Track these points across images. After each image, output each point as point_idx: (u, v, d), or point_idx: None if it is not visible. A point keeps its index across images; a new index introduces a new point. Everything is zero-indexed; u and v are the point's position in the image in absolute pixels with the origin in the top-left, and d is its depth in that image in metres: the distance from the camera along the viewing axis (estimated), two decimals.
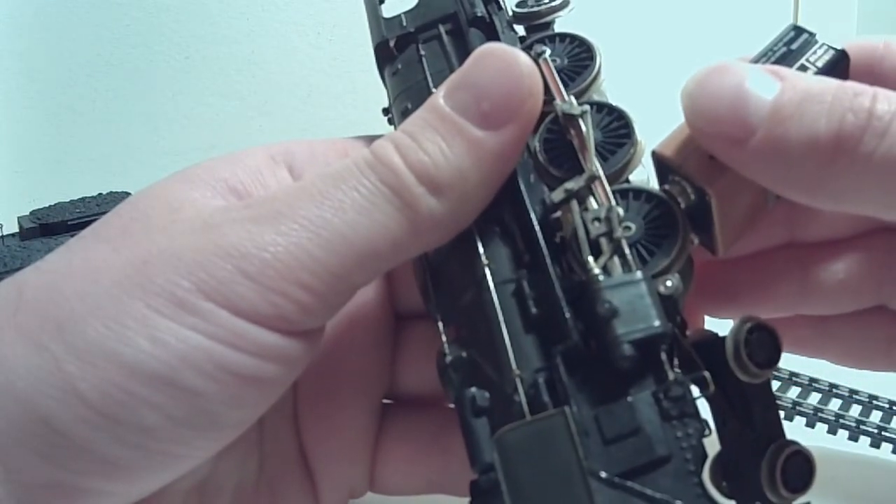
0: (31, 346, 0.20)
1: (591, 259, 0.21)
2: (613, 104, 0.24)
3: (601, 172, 0.22)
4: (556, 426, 0.19)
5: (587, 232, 0.21)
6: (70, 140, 0.81)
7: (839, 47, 0.22)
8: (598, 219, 0.22)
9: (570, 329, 0.20)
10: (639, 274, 0.20)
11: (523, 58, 0.23)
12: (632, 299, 0.20)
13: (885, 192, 0.20)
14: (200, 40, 0.83)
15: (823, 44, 0.22)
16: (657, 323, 0.19)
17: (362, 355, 0.29)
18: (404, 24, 0.29)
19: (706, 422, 0.19)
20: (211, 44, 0.83)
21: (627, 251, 0.21)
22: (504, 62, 0.22)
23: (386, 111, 0.29)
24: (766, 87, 0.20)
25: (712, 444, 0.20)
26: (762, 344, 0.20)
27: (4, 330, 0.20)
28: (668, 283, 0.20)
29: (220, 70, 0.84)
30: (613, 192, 0.22)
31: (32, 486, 0.20)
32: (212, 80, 0.84)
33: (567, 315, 0.20)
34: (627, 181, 0.23)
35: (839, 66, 0.22)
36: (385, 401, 0.31)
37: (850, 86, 0.20)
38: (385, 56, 0.29)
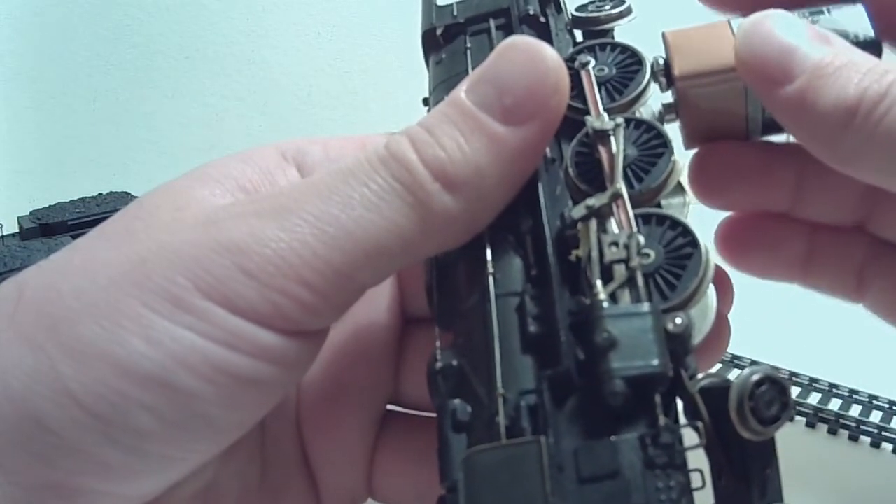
0: (27, 346, 0.20)
1: (599, 283, 0.20)
2: (653, 122, 0.23)
3: (625, 192, 0.21)
4: (528, 455, 0.17)
5: (601, 255, 0.20)
6: (70, 140, 0.81)
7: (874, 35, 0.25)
8: (615, 243, 0.20)
9: (562, 354, 0.19)
10: (647, 306, 0.19)
11: (549, 52, 0.22)
12: (634, 332, 0.18)
13: (886, 158, 0.21)
14: (200, 40, 0.83)
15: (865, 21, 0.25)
16: (656, 362, 0.18)
17: (368, 362, 0.29)
18: (455, 13, 0.28)
19: (701, 473, 0.18)
20: (211, 44, 0.83)
21: (641, 282, 0.20)
22: (529, 56, 0.22)
23: (426, 101, 0.28)
24: (816, 47, 0.22)
25: (707, 499, 0.19)
26: (769, 400, 0.18)
27: (2, 330, 0.20)
28: (678, 321, 0.19)
29: (220, 70, 0.84)
30: (637, 215, 0.21)
31: (29, 487, 0.20)
32: (212, 80, 0.84)
33: (563, 339, 0.19)
34: (659, 204, 0.22)
35: (874, 48, 0.25)
36: (390, 406, 0.30)
37: (884, 64, 0.22)
38: (431, 44, 0.28)
